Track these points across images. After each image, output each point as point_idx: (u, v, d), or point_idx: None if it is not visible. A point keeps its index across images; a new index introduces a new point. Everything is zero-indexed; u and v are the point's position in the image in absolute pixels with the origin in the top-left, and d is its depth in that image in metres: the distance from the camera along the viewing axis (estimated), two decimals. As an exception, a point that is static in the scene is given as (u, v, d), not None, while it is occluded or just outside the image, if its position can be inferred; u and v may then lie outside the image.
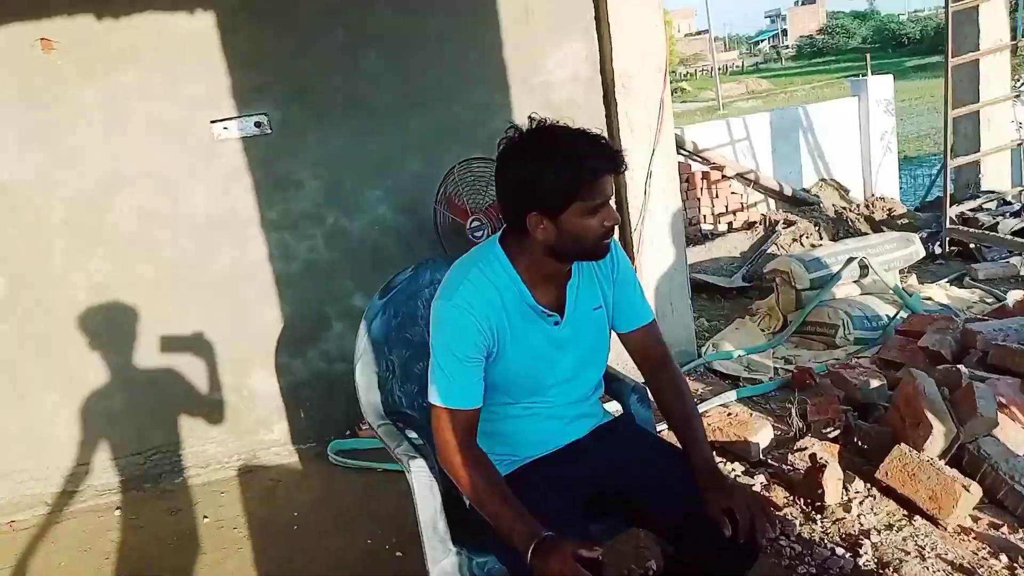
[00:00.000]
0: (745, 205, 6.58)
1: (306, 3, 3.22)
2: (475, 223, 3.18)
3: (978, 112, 5.04)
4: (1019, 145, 5.18)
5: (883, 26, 47.12)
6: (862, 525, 2.33)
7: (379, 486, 3.01)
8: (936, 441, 2.40)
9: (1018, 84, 5.50)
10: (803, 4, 61.72)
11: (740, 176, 6.55)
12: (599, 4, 3.40)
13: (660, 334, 1.84)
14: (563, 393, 1.75)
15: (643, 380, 1.88)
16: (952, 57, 4.55)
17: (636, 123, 3.46)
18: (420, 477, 1.73)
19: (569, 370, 1.72)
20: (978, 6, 4.87)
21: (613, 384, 2.01)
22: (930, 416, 2.42)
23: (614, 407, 1.97)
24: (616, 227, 1.65)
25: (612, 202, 1.61)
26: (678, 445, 1.74)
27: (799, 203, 6.60)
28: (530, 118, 1.59)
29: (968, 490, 2.25)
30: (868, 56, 8.24)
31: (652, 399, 1.88)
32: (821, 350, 3.77)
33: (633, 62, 3.39)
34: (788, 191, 6.71)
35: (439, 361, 1.61)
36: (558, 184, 1.50)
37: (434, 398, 1.62)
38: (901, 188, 7.12)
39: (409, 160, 3.42)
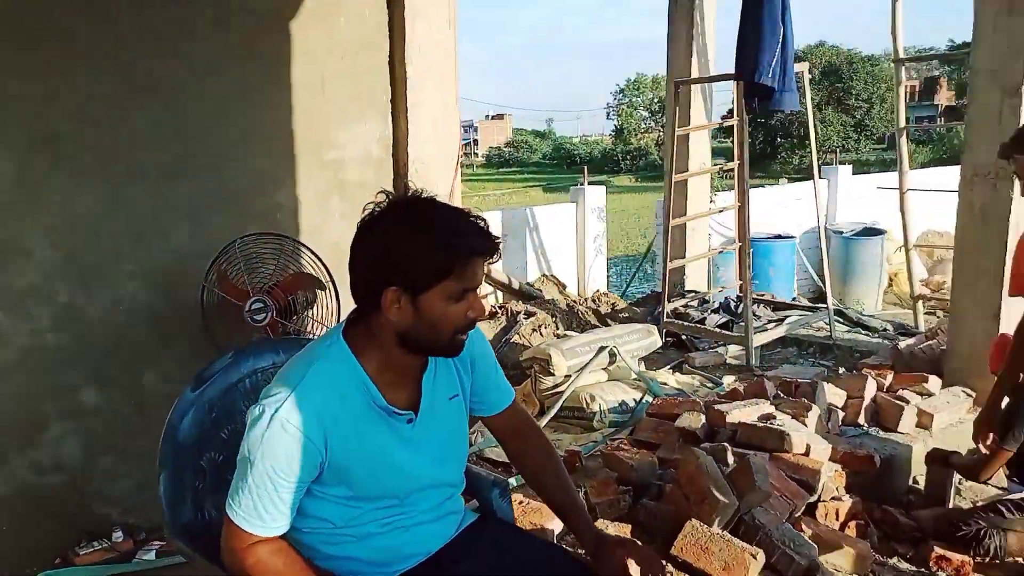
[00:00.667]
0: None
1: (62, 43, 2.76)
2: (256, 304, 2.88)
3: (684, 223, 5.83)
4: (720, 252, 6.07)
5: (560, 145, 53.26)
6: (667, 602, 2.41)
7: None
8: (722, 514, 2.60)
9: (712, 202, 6.49)
10: (492, 119, 67.75)
11: (476, 268, 6.79)
12: (396, 86, 3.38)
13: (522, 407, 1.77)
14: (424, 498, 1.57)
15: (507, 456, 1.81)
16: (675, 175, 5.23)
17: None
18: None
19: (428, 472, 1.55)
20: (689, 135, 5.72)
21: (471, 479, 1.88)
22: (715, 491, 2.62)
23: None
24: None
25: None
26: (545, 539, 1.68)
27: (524, 296, 7.00)
28: (406, 185, 1.48)
29: (755, 557, 2.45)
30: (585, 169, 9.14)
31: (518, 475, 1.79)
32: (579, 434, 3.95)
33: (427, 148, 3.40)
34: (516, 284, 7.09)
35: (248, 479, 1.37)
36: (429, 256, 1.36)
37: (233, 514, 1.39)
38: (609, 282, 7.94)
39: (173, 230, 3.04)
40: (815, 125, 5.59)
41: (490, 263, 1.46)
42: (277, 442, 1.35)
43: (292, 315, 2.97)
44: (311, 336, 2.93)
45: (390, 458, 1.48)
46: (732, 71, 4.85)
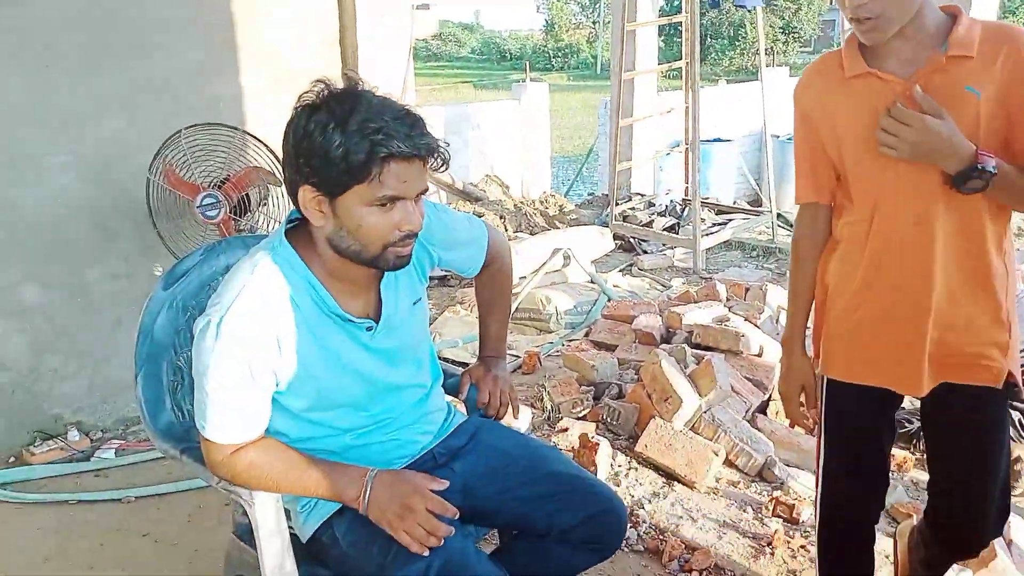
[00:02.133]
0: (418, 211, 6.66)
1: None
2: (208, 200, 2.72)
3: (631, 124, 5.76)
4: (667, 154, 6.06)
5: (489, 40, 51.67)
6: (633, 496, 2.50)
7: (94, 521, 2.42)
8: (684, 412, 2.67)
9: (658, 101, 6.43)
10: (417, 8, 65.13)
11: (417, 166, 6.62)
12: (340, -29, 3.14)
13: (496, 238, 1.72)
14: (396, 406, 1.52)
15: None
16: (624, 73, 5.12)
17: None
18: (267, 511, 1.40)
19: (396, 378, 1.50)
20: (636, 32, 5.57)
21: (447, 380, 1.86)
22: (677, 390, 2.68)
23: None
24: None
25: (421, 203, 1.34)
26: (535, 439, 1.70)
27: (468, 196, 6.90)
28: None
29: (717, 454, 2.54)
30: (528, 65, 8.89)
31: None
32: (536, 335, 3.97)
33: (376, 37, 3.19)
34: (459, 184, 6.96)
35: (206, 389, 1.30)
36: (340, 154, 1.22)
37: (204, 431, 1.33)
38: (552, 184, 7.89)
39: (106, 119, 2.82)
40: (762, 24, 5.52)
41: (433, 169, 1.33)
42: (227, 351, 1.27)
43: (245, 212, 2.81)
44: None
45: (352, 364, 1.41)
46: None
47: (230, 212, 2.73)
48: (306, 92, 1.29)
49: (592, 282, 4.24)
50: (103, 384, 2.91)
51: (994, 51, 1.33)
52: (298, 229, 1.38)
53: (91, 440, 2.85)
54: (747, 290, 3.83)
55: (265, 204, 2.88)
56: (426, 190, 1.34)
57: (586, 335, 3.76)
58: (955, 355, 1.47)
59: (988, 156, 1.33)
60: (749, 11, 5.35)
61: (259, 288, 1.31)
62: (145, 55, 2.83)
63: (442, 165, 1.32)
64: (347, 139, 1.22)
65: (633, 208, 5.56)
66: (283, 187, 1.39)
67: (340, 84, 1.30)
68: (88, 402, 2.91)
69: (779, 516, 2.39)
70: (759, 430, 2.77)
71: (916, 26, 1.36)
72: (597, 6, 38.27)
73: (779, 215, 5.57)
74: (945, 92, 1.34)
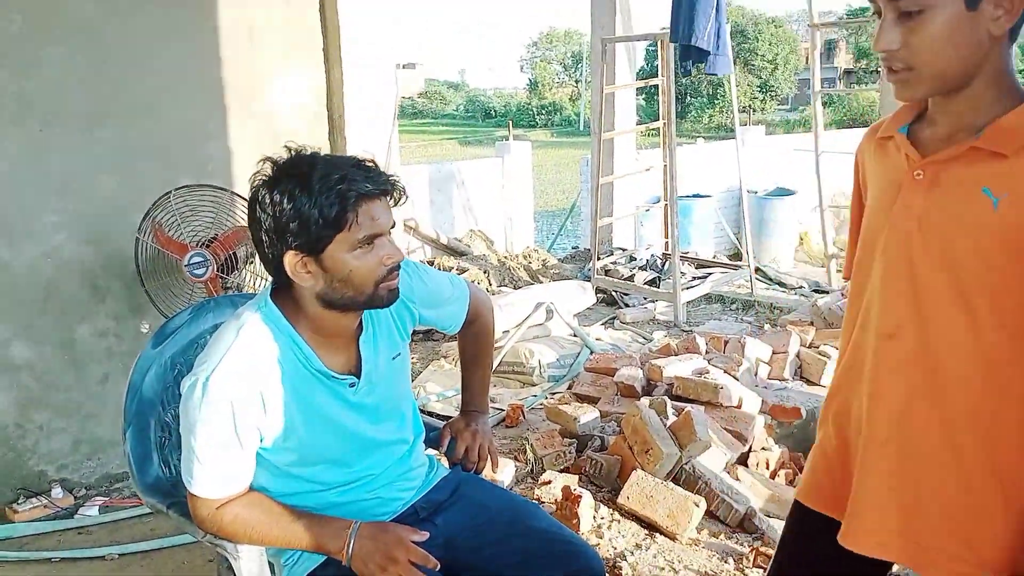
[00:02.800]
0: (408, 251, 6.76)
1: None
2: (196, 259, 2.77)
3: (612, 181, 5.91)
4: (647, 210, 6.20)
5: (474, 98, 52.71)
6: (615, 548, 2.51)
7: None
8: (664, 464, 2.71)
9: (637, 160, 6.59)
10: (404, 67, 66.37)
11: (404, 224, 6.72)
12: (328, 34, 3.27)
13: (477, 296, 1.77)
14: (379, 463, 1.56)
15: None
16: (604, 133, 5.28)
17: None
18: (252, 564, 1.44)
19: (378, 435, 1.54)
20: (615, 93, 5.76)
21: (429, 431, 1.90)
22: (658, 442, 2.72)
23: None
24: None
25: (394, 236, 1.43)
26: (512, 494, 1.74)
27: (453, 251, 6.99)
28: (287, 147, 1.40)
29: (698, 505, 2.57)
30: (510, 124, 9.09)
31: None
32: (519, 388, 4.01)
33: (362, 102, 3.31)
34: (444, 240, 7.07)
35: (192, 446, 1.35)
36: (314, 212, 1.30)
37: (192, 487, 1.38)
38: (535, 239, 8.01)
39: (99, 181, 2.89)
40: (735, 86, 5.72)
41: (398, 206, 1.42)
42: (213, 409, 1.32)
43: (232, 269, 2.87)
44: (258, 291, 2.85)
45: (335, 421, 1.46)
46: (655, 30, 4.90)
47: (217, 270, 2.78)
48: (256, 173, 1.37)
49: (575, 335, 4.31)
50: (89, 440, 2.92)
51: None
52: (282, 290, 1.43)
53: (75, 497, 2.85)
54: (726, 343, 3.90)
55: (252, 262, 2.94)
56: (394, 224, 1.41)
57: (569, 388, 3.80)
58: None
59: None
60: (713, 83, 5.54)
61: (245, 347, 1.36)
62: (143, 117, 2.93)
63: (403, 198, 1.41)
64: (316, 197, 1.30)
65: (615, 262, 5.67)
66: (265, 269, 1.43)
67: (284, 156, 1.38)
68: (73, 459, 2.91)
69: (760, 567, 2.41)
70: (739, 481, 2.81)
71: (969, 94, 1.07)
72: (579, 66, 39.23)
73: (757, 269, 5.68)
74: (956, 189, 1.07)
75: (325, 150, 3.37)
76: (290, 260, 1.34)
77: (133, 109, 2.90)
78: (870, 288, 1.18)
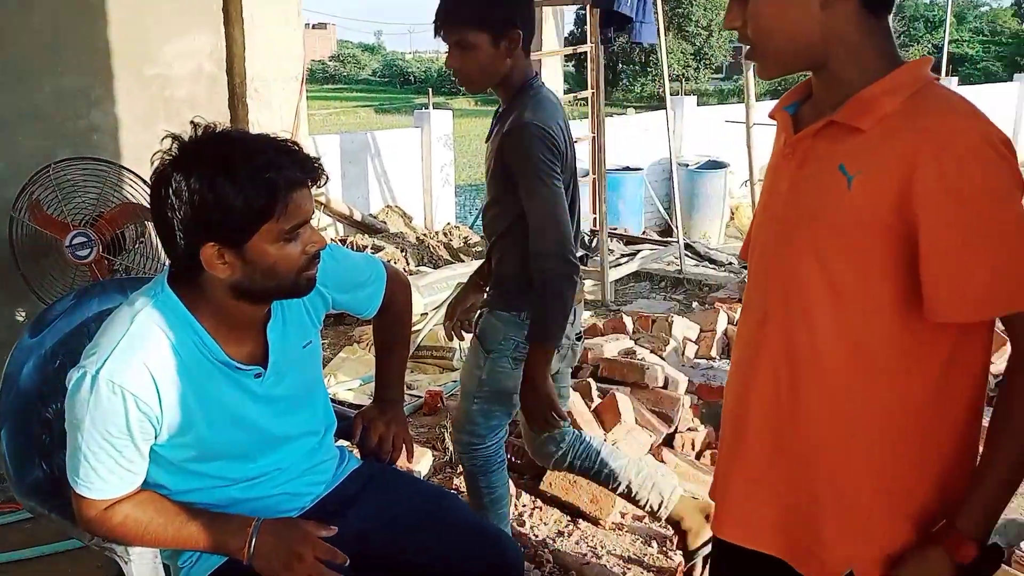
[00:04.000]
0: (318, 229, 6.67)
1: None
2: (79, 239, 2.70)
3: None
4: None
5: (391, 62, 51.92)
6: (537, 536, 2.59)
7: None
8: (588, 449, 2.79)
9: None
10: (314, 28, 64.59)
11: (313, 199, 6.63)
12: (228, -2, 3.20)
13: (395, 278, 1.79)
14: (287, 456, 1.57)
15: None
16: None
17: (267, 132, 3.32)
18: (144, 568, 1.43)
19: (286, 428, 1.55)
20: (541, 60, 5.79)
21: (340, 421, 1.91)
22: (582, 426, 2.80)
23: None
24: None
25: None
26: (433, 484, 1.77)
27: (369, 229, 6.93)
28: (193, 123, 1.36)
29: (621, 489, 2.67)
30: (430, 92, 9.02)
31: None
32: (438, 373, 4.04)
33: (267, 65, 3.25)
34: (358, 216, 6.99)
35: (79, 443, 1.34)
36: (240, 203, 1.27)
37: (77, 486, 1.37)
38: (456, 215, 8.00)
39: (-32, 152, 2.76)
40: (665, 54, 5.84)
41: (316, 189, 1.41)
42: (105, 405, 1.31)
43: (120, 251, 2.80)
44: (151, 275, 2.79)
45: (238, 414, 1.45)
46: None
47: (103, 251, 2.71)
48: (160, 152, 1.33)
49: (498, 317, 4.35)
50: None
51: (904, 147, 1.01)
52: (182, 275, 1.41)
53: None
54: (653, 322, 4.02)
55: (142, 242, 2.88)
56: (314, 210, 1.42)
57: (492, 372, 3.85)
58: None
59: (962, 540, 1.05)
60: (645, 47, 5.64)
61: (138, 337, 1.34)
62: (17, 82, 2.81)
63: (324, 181, 1.41)
64: (240, 185, 1.27)
65: (540, 240, 5.73)
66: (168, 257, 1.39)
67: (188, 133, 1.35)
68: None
69: (683, 549, 2.53)
70: (663, 462, 2.92)
71: (832, 70, 1.09)
72: (505, 28, 38.98)
73: (687, 245, 5.85)
74: (817, 168, 1.09)
75: (225, 118, 3.32)
76: (207, 252, 1.32)
77: (6, 72, 2.78)
78: (750, 272, 1.23)
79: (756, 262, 1.20)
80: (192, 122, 1.36)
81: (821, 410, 1.11)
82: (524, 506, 2.71)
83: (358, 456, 1.82)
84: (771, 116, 1.23)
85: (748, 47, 1.12)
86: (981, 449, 1.11)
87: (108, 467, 1.35)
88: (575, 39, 15.70)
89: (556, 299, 1.91)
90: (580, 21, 23.06)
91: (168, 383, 1.36)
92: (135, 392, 1.32)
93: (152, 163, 1.34)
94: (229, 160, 1.29)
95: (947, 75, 14.73)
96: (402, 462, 1.91)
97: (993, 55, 30.31)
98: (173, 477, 1.46)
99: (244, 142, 1.35)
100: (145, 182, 2.86)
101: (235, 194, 1.27)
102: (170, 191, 1.31)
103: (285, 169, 1.31)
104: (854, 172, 1.04)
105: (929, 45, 29.69)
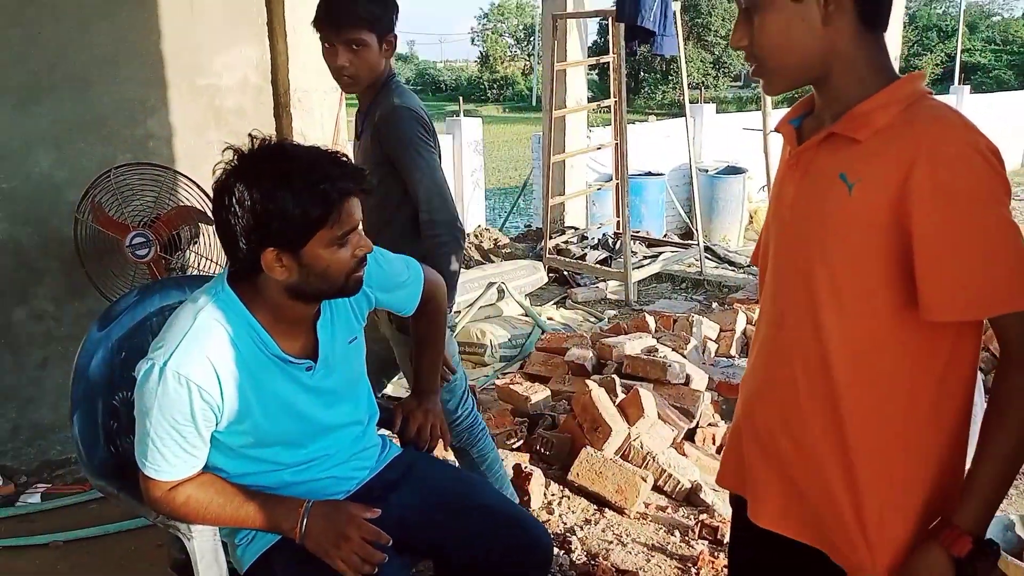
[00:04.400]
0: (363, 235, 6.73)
1: None
2: (138, 239, 2.76)
3: (564, 160, 5.98)
4: (599, 189, 6.29)
5: (424, 71, 52.13)
6: (565, 523, 2.61)
7: (21, 569, 2.40)
8: (613, 441, 2.81)
9: (589, 137, 6.66)
10: (351, 39, 64.88)
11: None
12: (273, 7, 3.24)
13: (431, 278, 1.81)
14: (334, 443, 1.61)
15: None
16: (555, 111, 5.33)
17: (310, 141, 3.36)
18: (205, 544, 1.48)
19: (334, 417, 1.59)
20: (566, 70, 5.81)
21: (383, 412, 1.95)
22: (607, 420, 2.82)
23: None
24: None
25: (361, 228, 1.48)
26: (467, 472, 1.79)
27: (402, 230, 6.99)
28: (251, 136, 1.41)
29: (645, 480, 2.68)
30: (461, 100, 9.05)
31: None
32: (471, 368, 4.08)
33: (309, 76, 3.29)
34: (394, 218, 7.06)
35: (148, 429, 1.39)
36: (298, 212, 1.33)
37: (145, 468, 1.42)
38: (487, 217, 8.03)
39: (35, 157, 2.85)
40: (685, 64, 5.83)
41: (366, 195, 1.44)
42: (171, 394, 1.36)
43: (176, 250, 2.86)
44: (205, 273, 2.85)
45: (291, 404, 1.50)
46: (607, 6, 4.94)
47: (160, 251, 2.77)
48: (222, 163, 1.38)
49: (526, 315, 4.38)
50: (28, 426, 2.89)
51: (899, 154, 1.03)
52: (241, 275, 1.45)
53: (16, 485, 2.82)
54: (675, 321, 4.03)
55: (196, 242, 2.93)
56: (363, 217, 1.45)
57: (521, 368, 3.88)
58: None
59: (959, 534, 1.06)
60: (666, 59, 5.63)
61: (202, 332, 1.39)
62: (80, 92, 2.88)
63: (373, 191, 1.45)
64: (298, 195, 1.32)
65: (567, 242, 5.75)
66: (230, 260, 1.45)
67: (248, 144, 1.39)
68: (12, 445, 2.88)
69: (705, 538, 2.54)
70: (685, 456, 2.93)
71: (833, 84, 1.11)
72: (532, 39, 39.13)
73: (707, 248, 5.83)
74: (819, 177, 1.12)
75: (271, 126, 3.37)
76: (268, 256, 1.37)
77: (70, 84, 2.85)
78: (766, 278, 1.24)
79: (769, 267, 1.22)
80: (250, 135, 1.40)
81: (829, 410, 1.13)
82: (553, 495, 2.74)
83: (398, 444, 1.85)
84: (776, 130, 1.24)
85: (754, 64, 1.13)
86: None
87: (173, 451, 1.40)
88: (598, 48, 15.68)
89: (448, 264, 1.99)
90: (603, 31, 22.96)
91: (228, 375, 1.41)
92: (199, 383, 1.37)
93: (214, 173, 1.38)
94: (287, 172, 1.34)
95: (960, 84, 14.49)
96: (439, 450, 1.94)
97: (1005, 64, 29.73)
98: (231, 461, 1.51)
99: (300, 155, 1.39)
100: (198, 186, 2.92)
101: (293, 204, 1.32)
102: (233, 200, 1.35)
103: (338, 180, 1.36)
104: (854, 180, 1.06)
105: (942, 54, 29.23)
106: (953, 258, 1.01)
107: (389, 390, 3.64)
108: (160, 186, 2.84)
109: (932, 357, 1.08)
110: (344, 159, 1.41)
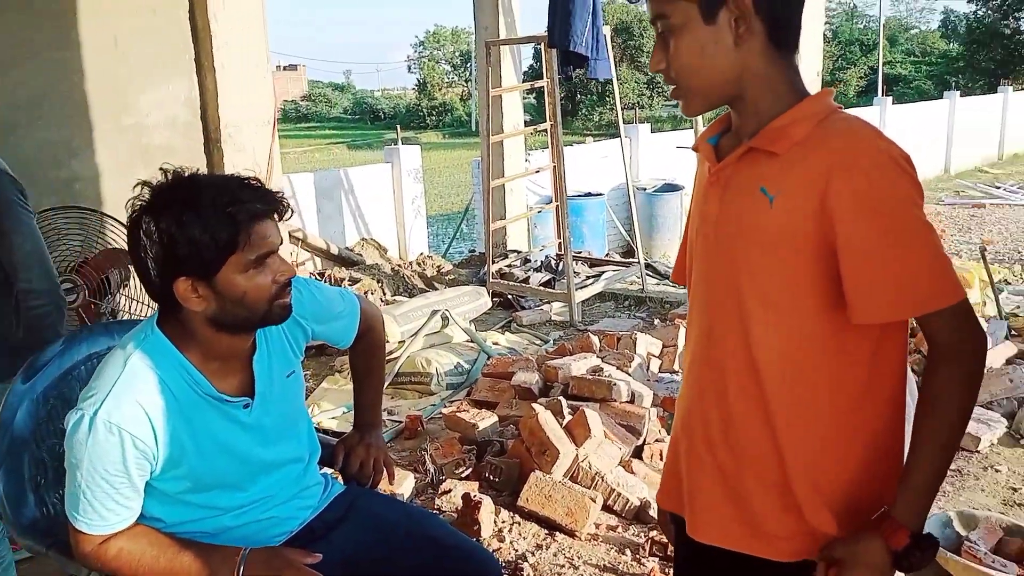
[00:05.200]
0: (296, 263, 6.66)
1: None
2: (66, 285, 2.68)
3: (504, 184, 6.03)
4: (539, 211, 6.34)
5: (361, 100, 52.00)
6: (517, 550, 2.61)
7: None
8: (562, 463, 2.82)
9: (528, 161, 6.73)
10: (285, 70, 64.52)
11: (290, 235, 6.62)
12: (200, 44, 3.22)
13: (368, 310, 1.81)
14: (275, 483, 1.59)
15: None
16: (492, 136, 5.38)
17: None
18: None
19: (274, 455, 1.57)
20: (501, 96, 5.87)
21: (324, 449, 1.93)
22: (555, 442, 2.84)
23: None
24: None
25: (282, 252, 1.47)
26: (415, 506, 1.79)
27: (344, 262, 6.94)
28: (162, 169, 1.40)
29: (594, 501, 2.70)
30: (399, 128, 9.06)
31: None
32: (417, 398, 4.05)
33: (240, 111, 3.27)
34: (334, 250, 7.00)
35: (78, 481, 1.36)
36: (206, 237, 1.32)
37: (76, 522, 1.39)
38: (429, 244, 8.03)
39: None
40: (619, 85, 5.95)
41: (284, 222, 1.45)
42: (103, 445, 1.33)
43: (106, 294, 2.80)
44: (137, 316, 2.79)
45: (228, 445, 1.48)
46: (539, 32, 5.03)
47: (89, 296, 2.71)
48: (133, 199, 1.38)
49: (471, 341, 4.38)
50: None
51: (816, 166, 1.07)
52: (168, 316, 1.44)
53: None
54: (619, 340, 4.07)
55: (126, 285, 2.87)
56: (282, 241, 1.45)
57: (468, 395, 3.88)
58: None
59: (896, 527, 1.10)
60: (601, 81, 5.75)
61: (132, 378, 1.37)
62: (3, 136, 2.81)
63: (289, 213, 1.45)
64: (206, 220, 1.32)
65: (510, 265, 5.78)
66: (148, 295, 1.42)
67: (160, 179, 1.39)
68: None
69: (656, 555, 2.56)
70: (633, 473, 2.96)
71: (748, 102, 1.15)
72: (468, 65, 39.41)
73: (648, 265, 5.92)
74: (740, 191, 1.15)
75: (202, 163, 3.34)
76: (180, 286, 1.35)
77: (-8, 127, 2.79)
78: (691, 292, 1.27)
79: (697, 281, 1.25)
80: (161, 168, 1.39)
81: (762, 414, 1.16)
82: (503, 522, 2.73)
83: (341, 482, 1.83)
84: (694, 149, 1.29)
85: (673, 86, 1.17)
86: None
87: (105, 503, 1.36)
88: (534, 72, 15.91)
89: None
90: (538, 55, 23.29)
91: (162, 419, 1.38)
92: (131, 431, 1.34)
93: (128, 211, 1.37)
94: (193, 199, 1.33)
95: (883, 95, 15.08)
96: (384, 485, 1.93)
97: (924, 74, 31.08)
98: (168, 508, 1.47)
99: (207, 182, 1.39)
100: (127, 227, 2.86)
101: (200, 229, 1.31)
102: (141, 232, 1.35)
103: (246, 203, 1.35)
104: (775, 192, 1.10)
105: (865, 67, 30.39)
106: (877, 263, 1.05)
107: (332, 425, 3.60)
108: (87, 229, 2.78)
109: (858, 354, 1.13)
110: (255, 182, 1.41)
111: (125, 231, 2.79)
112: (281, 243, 1.43)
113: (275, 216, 1.41)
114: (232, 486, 1.51)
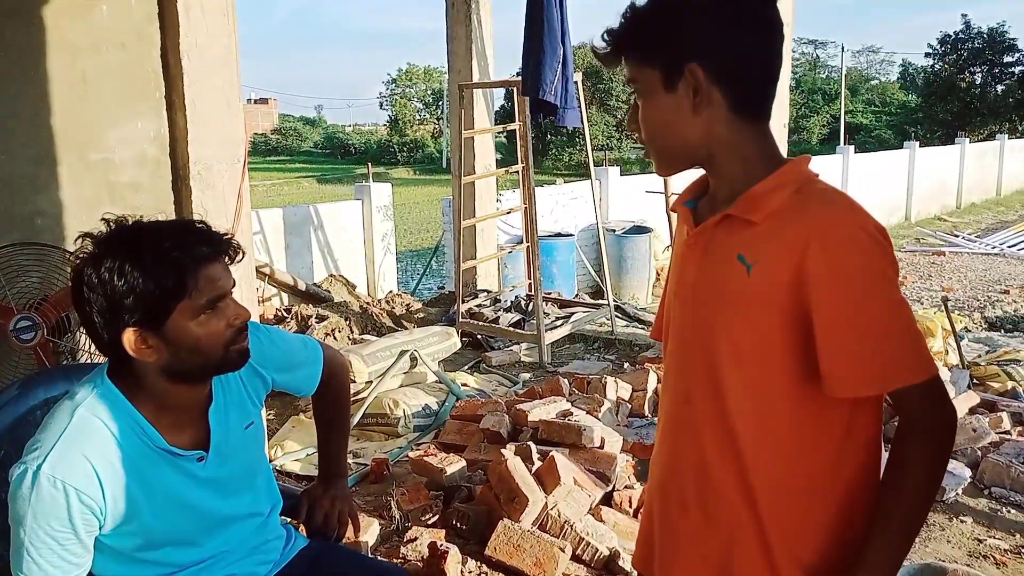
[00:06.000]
0: (262, 300, 6.58)
1: None
2: (23, 323, 2.61)
3: (475, 224, 6.03)
4: (510, 251, 6.35)
5: (332, 135, 52.08)
6: (484, 602, 2.55)
7: None
8: (531, 511, 2.78)
9: (499, 201, 6.76)
10: (256, 103, 64.46)
11: (257, 270, 6.54)
12: (171, 81, 3.18)
13: (331, 356, 1.77)
14: (232, 538, 1.53)
15: None
16: (464, 176, 5.40)
17: (212, 214, 3.28)
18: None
19: (231, 509, 1.52)
20: (474, 137, 5.91)
21: (286, 499, 1.87)
22: (524, 490, 2.79)
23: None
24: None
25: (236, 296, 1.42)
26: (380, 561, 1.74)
27: (312, 298, 6.87)
28: (104, 219, 1.37)
29: (563, 551, 2.65)
30: (369, 164, 9.06)
31: None
32: (384, 440, 3.98)
33: (210, 149, 3.23)
34: (302, 286, 6.94)
35: (22, 539, 1.30)
36: (151, 285, 1.28)
37: None
38: (399, 281, 8.00)
39: (-91, 239, 2.66)
40: (589, 129, 6.02)
41: (232, 260, 1.41)
42: (47, 500, 1.28)
43: (65, 332, 2.72)
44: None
45: (182, 499, 1.42)
46: (513, 75, 5.09)
47: (48, 334, 2.63)
48: (76, 252, 1.34)
49: (440, 382, 4.34)
50: None
51: (794, 237, 1.07)
52: (120, 366, 1.39)
53: None
54: (588, 383, 4.06)
55: (88, 323, 2.80)
56: (234, 283, 1.41)
57: (435, 437, 3.82)
58: None
59: None
60: (569, 129, 5.83)
61: (78, 430, 1.32)
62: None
63: (240, 255, 1.41)
64: (149, 268, 1.28)
65: (480, 305, 5.76)
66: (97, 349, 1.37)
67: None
68: None
69: (625, 607, 2.52)
70: (603, 522, 2.92)
71: (719, 168, 1.16)
72: (440, 103, 39.72)
73: (617, 307, 5.94)
74: (718, 258, 1.15)
75: (169, 200, 3.28)
76: (129, 338, 1.31)
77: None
78: (667, 352, 1.26)
79: (674, 343, 1.24)
80: (103, 219, 1.36)
81: (738, 480, 1.15)
82: (470, 572, 2.67)
83: (304, 535, 1.78)
84: (672, 210, 1.31)
85: (645, 147, 1.19)
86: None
87: (51, 561, 1.31)
88: (506, 112, 16.06)
89: None
90: (510, 95, 23.62)
91: (110, 474, 1.33)
92: (77, 486, 1.29)
93: (69, 262, 1.34)
94: (136, 247, 1.30)
95: (845, 143, 15.49)
96: (349, 534, 1.88)
97: (884, 124, 32.02)
98: (120, 567, 1.41)
99: (151, 228, 1.35)
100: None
101: (145, 277, 1.28)
102: (84, 286, 1.30)
103: (192, 247, 1.32)
104: (752, 261, 1.10)
105: (827, 115, 31.22)
106: (852, 337, 1.05)
107: (296, 468, 3.52)
108: (47, 266, 2.71)
109: (831, 428, 1.13)
110: (202, 225, 1.38)
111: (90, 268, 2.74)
112: (234, 285, 1.40)
113: (225, 258, 1.37)
114: (187, 542, 1.46)
